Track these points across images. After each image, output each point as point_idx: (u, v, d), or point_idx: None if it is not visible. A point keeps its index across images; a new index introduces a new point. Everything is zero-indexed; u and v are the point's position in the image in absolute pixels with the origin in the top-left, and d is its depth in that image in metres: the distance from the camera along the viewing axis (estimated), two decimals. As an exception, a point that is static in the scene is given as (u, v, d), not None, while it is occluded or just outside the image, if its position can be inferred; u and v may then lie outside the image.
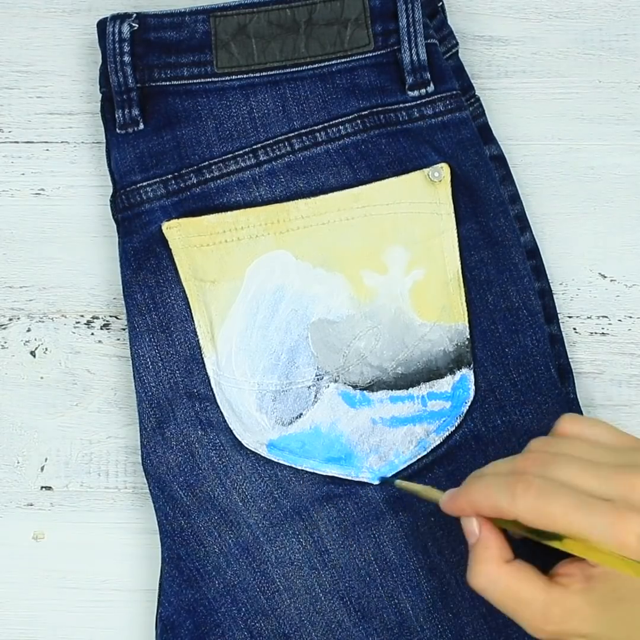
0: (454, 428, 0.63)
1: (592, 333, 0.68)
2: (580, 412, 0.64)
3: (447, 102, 0.65)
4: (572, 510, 0.49)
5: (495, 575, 0.51)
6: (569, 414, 0.54)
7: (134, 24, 0.66)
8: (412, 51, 0.65)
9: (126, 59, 0.65)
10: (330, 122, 0.65)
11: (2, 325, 0.68)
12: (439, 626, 0.61)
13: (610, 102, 0.70)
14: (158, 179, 0.65)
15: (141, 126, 0.66)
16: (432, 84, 0.65)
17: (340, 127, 0.65)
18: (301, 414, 0.63)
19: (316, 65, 0.65)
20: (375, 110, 0.65)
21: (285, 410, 0.63)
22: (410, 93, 0.65)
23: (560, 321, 0.66)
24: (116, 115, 0.66)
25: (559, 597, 0.50)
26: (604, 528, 0.48)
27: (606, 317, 0.68)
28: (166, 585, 0.63)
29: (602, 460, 0.51)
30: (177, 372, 0.64)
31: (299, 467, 0.63)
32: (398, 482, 0.59)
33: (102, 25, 0.66)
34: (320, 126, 0.65)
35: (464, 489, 0.53)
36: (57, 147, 0.70)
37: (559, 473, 0.50)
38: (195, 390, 0.63)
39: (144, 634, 0.65)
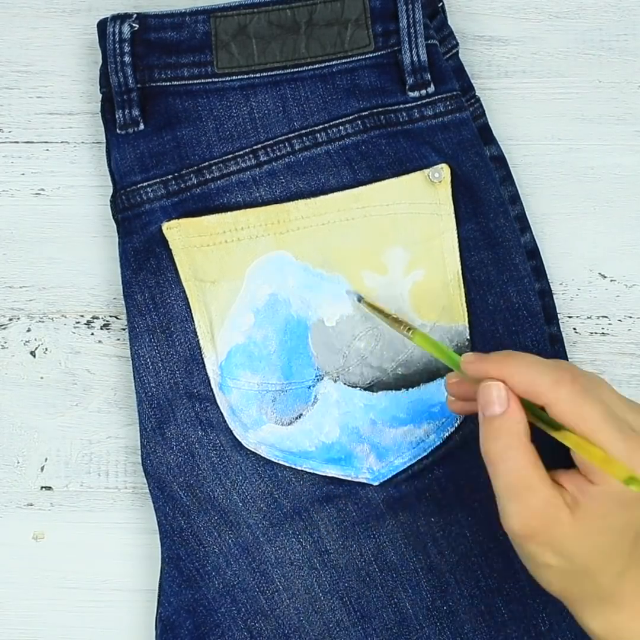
0: (453, 429, 0.63)
1: (592, 333, 0.68)
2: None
3: (448, 102, 0.65)
4: (603, 418, 0.49)
5: (517, 450, 0.50)
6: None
7: (134, 25, 0.65)
8: (413, 52, 0.65)
9: (126, 59, 0.65)
10: (331, 123, 0.65)
11: (2, 325, 0.68)
12: (438, 625, 0.62)
13: (610, 102, 0.70)
14: (158, 180, 0.65)
15: (141, 126, 0.66)
16: (432, 85, 0.65)
17: (341, 127, 0.65)
18: (301, 414, 0.63)
19: (316, 66, 0.65)
20: (375, 110, 0.65)
21: (285, 411, 0.63)
22: (411, 94, 0.65)
23: (560, 321, 0.67)
24: (116, 116, 0.66)
25: (558, 500, 0.50)
26: (623, 450, 0.48)
27: (606, 317, 0.68)
28: (166, 586, 0.63)
29: (630, 402, 0.52)
30: (177, 372, 0.64)
31: (299, 468, 0.63)
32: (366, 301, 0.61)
33: (102, 25, 0.66)
34: (321, 127, 0.65)
35: (500, 357, 0.52)
36: (57, 147, 0.70)
37: (598, 389, 0.51)
38: (195, 391, 0.63)
39: (144, 634, 0.65)
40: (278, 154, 0.65)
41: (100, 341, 0.68)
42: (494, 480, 0.51)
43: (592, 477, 0.50)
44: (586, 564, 0.51)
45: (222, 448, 0.63)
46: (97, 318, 0.68)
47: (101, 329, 0.68)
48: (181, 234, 0.64)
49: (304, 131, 0.65)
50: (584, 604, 0.52)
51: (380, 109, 0.65)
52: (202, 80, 0.66)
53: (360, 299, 0.61)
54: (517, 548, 0.52)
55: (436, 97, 0.65)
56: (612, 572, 0.51)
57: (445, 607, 0.62)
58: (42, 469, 0.67)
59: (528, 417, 0.51)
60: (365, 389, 0.63)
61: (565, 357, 0.66)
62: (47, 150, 0.70)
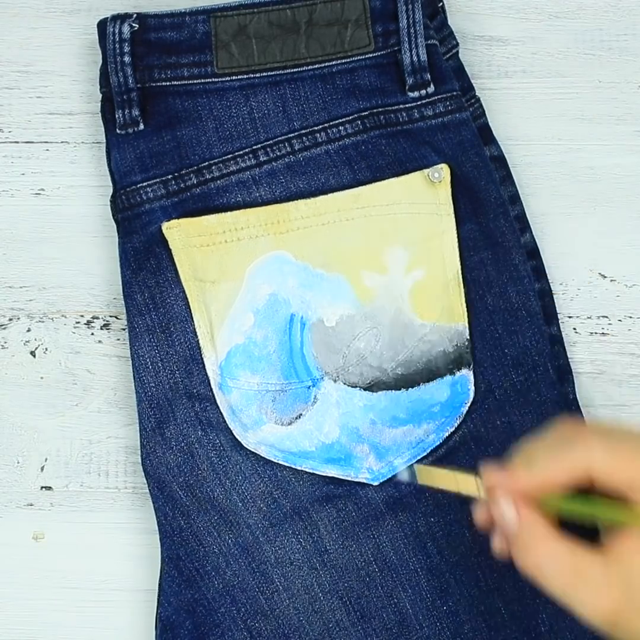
0: (453, 429, 0.63)
1: (592, 333, 0.68)
2: (580, 412, 0.65)
3: (448, 103, 0.65)
4: None
5: (550, 550, 0.47)
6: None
7: (134, 25, 0.65)
8: (413, 52, 0.65)
9: (126, 59, 0.65)
10: (331, 123, 0.65)
11: (2, 325, 0.68)
12: (438, 625, 0.62)
13: (610, 102, 0.70)
14: (158, 180, 0.65)
15: (141, 126, 0.66)
16: (432, 85, 0.65)
17: (341, 127, 0.65)
18: (301, 414, 0.63)
19: (316, 66, 0.65)
20: (375, 111, 0.65)
21: (285, 411, 0.63)
22: (411, 94, 0.65)
23: (560, 321, 0.66)
24: (116, 116, 0.66)
25: (619, 568, 0.47)
26: None
27: (606, 317, 0.68)
28: (166, 586, 0.63)
29: None
30: (177, 372, 0.64)
31: (299, 468, 0.63)
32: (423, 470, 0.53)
33: (102, 25, 0.66)
34: (321, 127, 0.65)
35: (521, 458, 0.48)
36: (57, 147, 0.70)
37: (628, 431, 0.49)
38: (195, 391, 0.63)
39: (144, 634, 0.65)
40: (278, 154, 0.65)
41: (100, 341, 0.68)
42: (552, 591, 0.48)
43: None
44: None
45: (221, 448, 0.63)
46: (97, 318, 0.68)
47: (101, 329, 0.68)
48: (181, 234, 0.64)
49: (303, 131, 0.65)
50: None
51: (380, 109, 0.65)
52: (202, 80, 0.66)
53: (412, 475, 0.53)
54: (613, 634, 0.48)
55: (436, 98, 0.65)
56: None
57: (445, 607, 0.62)
58: (42, 469, 0.67)
59: (586, 514, 0.49)
60: (364, 389, 0.63)
61: (565, 357, 0.66)
62: (47, 150, 0.70)
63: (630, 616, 0.47)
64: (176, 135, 0.66)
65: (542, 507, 0.49)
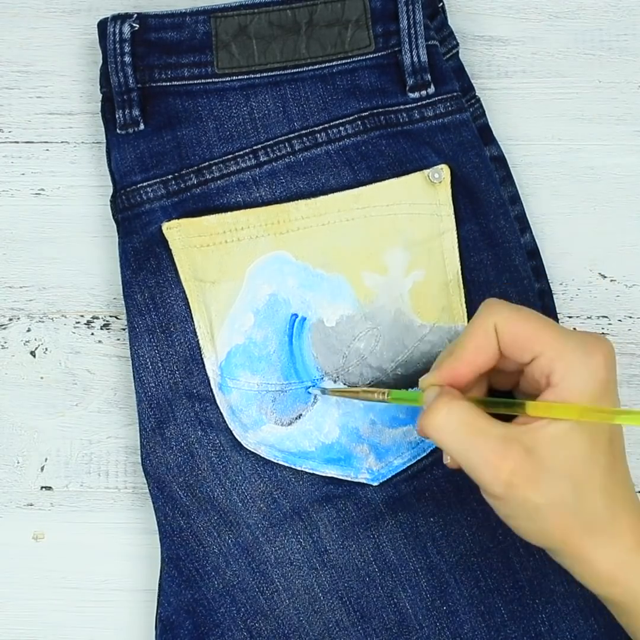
0: (453, 429, 0.63)
1: (592, 333, 0.68)
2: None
3: (448, 103, 0.65)
4: (546, 326, 0.51)
5: (452, 407, 0.50)
6: None
7: (134, 25, 0.65)
8: (413, 53, 0.65)
9: (127, 59, 0.65)
10: (331, 123, 0.65)
11: (2, 325, 0.68)
12: (438, 625, 0.62)
13: (610, 102, 0.70)
14: (158, 180, 0.65)
15: (141, 126, 0.66)
16: (432, 86, 0.65)
17: (341, 128, 0.65)
18: (301, 414, 0.63)
19: (317, 66, 0.65)
20: (375, 111, 0.65)
21: (285, 411, 0.63)
22: (411, 94, 0.65)
23: (560, 321, 0.67)
24: (116, 116, 0.66)
25: (520, 433, 0.49)
26: (577, 345, 0.50)
27: (606, 317, 0.68)
28: (166, 586, 0.63)
29: None
30: (177, 372, 0.64)
31: (299, 468, 0.63)
32: (332, 390, 0.62)
33: (102, 25, 0.66)
34: (321, 127, 0.65)
35: (440, 360, 0.53)
36: (57, 147, 0.70)
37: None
38: (195, 391, 0.64)
39: (144, 634, 0.65)
40: (278, 154, 0.65)
41: (100, 341, 0.68)
42: (452, 452, 0.50)
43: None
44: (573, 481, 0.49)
45: (221, 448, 0.63)
46: (97, 318, 0.68)
47: (101, 329, 0.68)
48: (181, 234, 0.64)
49: (304, 131, 0.65)
50: (583, 539, 0.49)
51: (380, 110, 0.65)
52: (203, 81, 0.66)
53: (324, 391, 0.63)
54: (505, 508, 0.50)
55: (436, 98, 0.65)
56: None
57: (444, 607, 0.62)
58: (42, 469, 0.67)
59: (494, 408, 0.52)
60: (365, 389, 0.63)
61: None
62: (47, 150, 0.70)
63: (525, 483, 0.48)
64: (176, 135, 0.66)
65: None
